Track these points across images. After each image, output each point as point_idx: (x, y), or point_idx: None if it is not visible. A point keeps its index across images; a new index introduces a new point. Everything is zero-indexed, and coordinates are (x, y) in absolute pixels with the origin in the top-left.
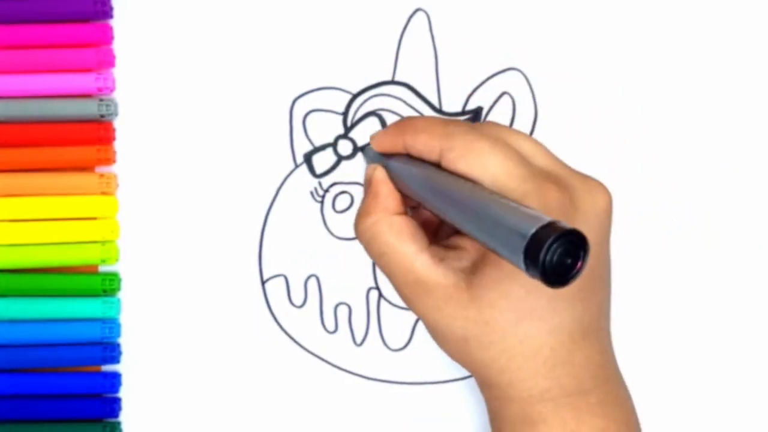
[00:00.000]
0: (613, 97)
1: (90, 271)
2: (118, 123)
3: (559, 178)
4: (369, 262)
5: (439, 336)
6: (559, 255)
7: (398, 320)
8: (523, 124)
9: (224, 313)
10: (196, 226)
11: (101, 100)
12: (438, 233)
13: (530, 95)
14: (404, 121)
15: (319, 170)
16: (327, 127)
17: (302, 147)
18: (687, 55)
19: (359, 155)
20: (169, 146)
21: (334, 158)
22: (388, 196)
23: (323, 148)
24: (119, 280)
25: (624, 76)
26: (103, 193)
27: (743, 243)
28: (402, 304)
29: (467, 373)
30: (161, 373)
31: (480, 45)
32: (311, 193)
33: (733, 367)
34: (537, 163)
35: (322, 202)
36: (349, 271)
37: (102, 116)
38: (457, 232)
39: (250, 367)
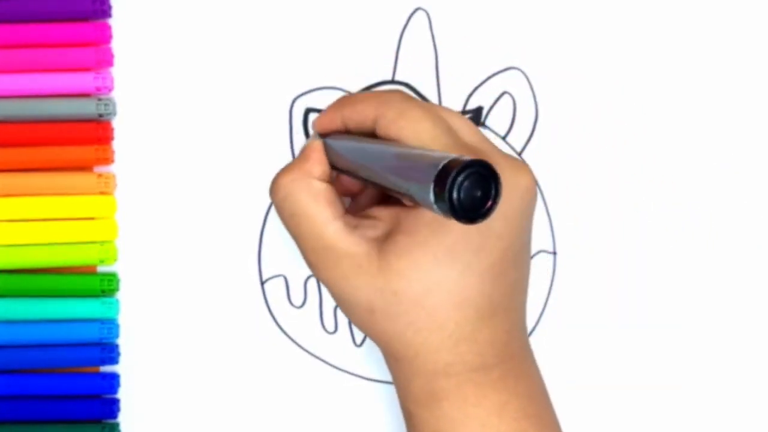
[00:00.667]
0: (613, 97)
1: (88, 271)
2: (116, 122)
3: (483, 153)
4: None
5: (345, 306)
6: (467, 188)
7: None
8: (523, 124)
9: (223, 313)
10: (195, 226)
11: (100, 99)
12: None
13: (531, 95)
14: (342, 97)
15: None
16: None
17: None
18: (688, 55)
19: None
20: (168, 146)
21: None
22: (316, 161)
23: None
24: (118, 281)
25: (625, 76)
26: (102, 193)
27: (743, 243)
28: None
29: None
30: (160, 373)
31: (480, 44)
32: None
33: (733, 367)
34: (464, 137)
35: None
36: None
37: (100, 116)
38: (374, 205)
39: (249, 367)
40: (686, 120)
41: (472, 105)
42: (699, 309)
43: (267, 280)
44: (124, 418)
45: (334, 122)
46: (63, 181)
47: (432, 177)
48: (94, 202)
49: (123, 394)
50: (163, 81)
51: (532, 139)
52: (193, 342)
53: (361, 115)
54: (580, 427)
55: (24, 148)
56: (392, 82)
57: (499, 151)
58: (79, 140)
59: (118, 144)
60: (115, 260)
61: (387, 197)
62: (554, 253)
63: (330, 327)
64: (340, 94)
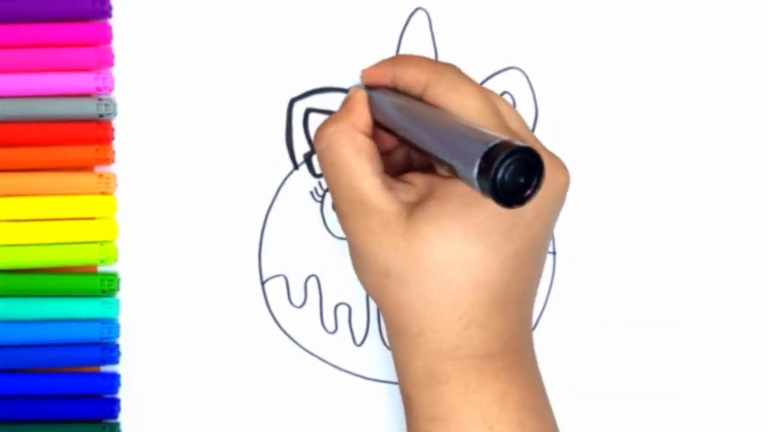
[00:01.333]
0: (613, 97)
1: (89, 271)
2: (117, 123)
3: (528, 142)
4: None
5: (362, 262)
6: (512, 173)
7: None
8: None
9: (224, 313)
10: (195, 226)
11: (100, 99)
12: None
13: (531, 94)
14: (396, 56)
15: (318, 170)
16: None
17: (302, 147)
18: (688, 54)
19: None
20: (169, 146)
21: None
22: (360, 114)
23: None
24: (118, 281)
25: (625, 76)
26: (102, 193)
27: (744, 243)
28: None
29: None
30: (160, 373)
31: (480, 44)
32: (311, 193)
33: (733, 367)
34: (510, 123)
35: (321, 202)
36: (349, 271)
37: (101, 116)
38: (413, 170)
39: (249, 367)
40: (686, 120)
41: None
42: (699, 309)
43: (267, 279)
44: (124, 418)
45: (385, 77)
46: (63, 181)
47: (480, 153)
48: (95, 202)
49: (123, 394)
50: (164, 81)
51: None
52: (193, 342)
53: (412, 78)
54: (580, 427)
55: (25, 148)
56: None
57: (542, 144)
58: (80, 140)
59: (118, 144)
60: (116, 260)
61: (421, 160)
62: (554, 253)
63: (330, 327)
64: (340, 94)
